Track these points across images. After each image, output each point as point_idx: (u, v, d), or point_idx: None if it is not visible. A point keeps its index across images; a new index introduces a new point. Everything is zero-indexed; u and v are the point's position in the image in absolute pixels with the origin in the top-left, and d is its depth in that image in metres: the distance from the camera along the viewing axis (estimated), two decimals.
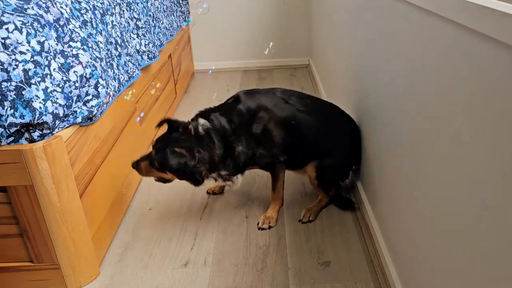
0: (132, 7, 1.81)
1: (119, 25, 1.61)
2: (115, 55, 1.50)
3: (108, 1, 1.53)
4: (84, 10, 1.32)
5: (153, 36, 2.02)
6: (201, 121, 1.37)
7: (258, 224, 1.50)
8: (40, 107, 1.06)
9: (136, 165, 1.40)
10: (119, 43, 1.57)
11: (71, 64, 1.17)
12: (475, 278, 0.69)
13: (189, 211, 1.62)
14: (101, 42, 1.37)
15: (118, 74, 1.50)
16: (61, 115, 1.12)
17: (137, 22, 1.84)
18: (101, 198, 1.37)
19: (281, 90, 1.49)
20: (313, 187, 1.54)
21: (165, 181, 1.43)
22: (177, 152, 1.29)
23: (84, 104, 1.22)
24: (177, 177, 1.37)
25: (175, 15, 2.61)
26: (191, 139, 1.33)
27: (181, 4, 2.80)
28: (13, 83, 1.01)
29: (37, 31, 1.07)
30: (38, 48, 1.06)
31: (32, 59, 1.04)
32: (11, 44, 1.02)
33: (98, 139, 1.34)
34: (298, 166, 1.53)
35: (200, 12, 1.77)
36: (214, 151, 1.35)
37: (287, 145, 1.44)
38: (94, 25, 1.36)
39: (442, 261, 0.83)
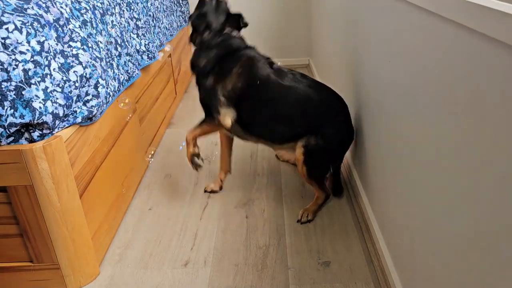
0: (132, 7, 1.81)
1: (119, 25, 1.61)
2: (115, 55, 1.50)
3: (108, 1, 1.53)
4: (84, 10, 1.32)
5: (153, 36, 2.02)
6: (229, 29, 1.58)
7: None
8: (40, 107, 1.06)
9: None
10: (119, 43, 1.57)
11: (71, 64, 1.17)
12: (475, 278, 0.69)
13: (189, 211, 1.62)
14: (101, 42, 1.37)
15: (118, 74, 1.50)
16: (61, 115, 1.12)
17: (137, 22, 1.84)
18: (101, 198, 1.37)
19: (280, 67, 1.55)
20: (303, 178, 1.51)
21: None
22: (201, 14, 1.57)
23: (84, 104, 1.22)
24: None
25: (175, 15, 2.61)
26: (218, 21, 1.57)
27: (181, 4, 2.80)
28: (13, 83, 1.01)
29: (37, 31, 1.07)
30: (38, 48, 1.06)
31: (32, 59, 1.04)
32: (11, 44, 1.01)
33: (98, 139, 1.34)
34: (279, 140, 1.52)
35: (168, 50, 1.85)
36: (203, 34, 1.56)
37: (242, 102, 1.46)
38: (94, 25, 1.36)
39: (442, 261, 0.83)
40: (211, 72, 1.49)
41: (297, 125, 1.46)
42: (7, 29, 1.01)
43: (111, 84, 1.39)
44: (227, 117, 1.48)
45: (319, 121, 1.45)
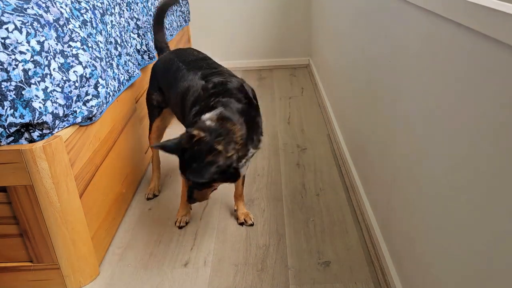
0: (132, 7, 1.81)
1: (119, 25, 1.61)
2: (115, 54, 1.50)
3: (108, 1, 1.53)
4: (84, 10, 1.32)
5: (153, 35, 2.02)
6: None
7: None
8: (40, 107, 1.05)
9: None
10: (119, 43, 1.57)
11: (71, 64, 1.17)
12: (475, 278, 0.69)
13: None
14: (101, 42, 1.37)
15: (118, 74, 1.50)
16: (61, 115, 1.12)
17: (137, 22, 1.84)
18: (101, 198, 1.37)
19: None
20: None
21: None
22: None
23: (84, 104, 1.22)
24: None
25: (175, 15, 2.61)
26: None
27: (181, 4, 2.80)
28: (13, 83, 1.01)
29: (37, 31, 1.07)
30: (38, 48, 1.06)
31: (32, 59, 1.04)
32: (11, 44, 1.01)
33: (98, 139, 1.34)
34: None
35: None
36: None
37: None
38: (94, 25, 1.35)
39: (442, 261, 0.83)
40: None
41: None
42: (7, 29, 1.01)
43: (111, 84, 1.39)
44: None
45: None
